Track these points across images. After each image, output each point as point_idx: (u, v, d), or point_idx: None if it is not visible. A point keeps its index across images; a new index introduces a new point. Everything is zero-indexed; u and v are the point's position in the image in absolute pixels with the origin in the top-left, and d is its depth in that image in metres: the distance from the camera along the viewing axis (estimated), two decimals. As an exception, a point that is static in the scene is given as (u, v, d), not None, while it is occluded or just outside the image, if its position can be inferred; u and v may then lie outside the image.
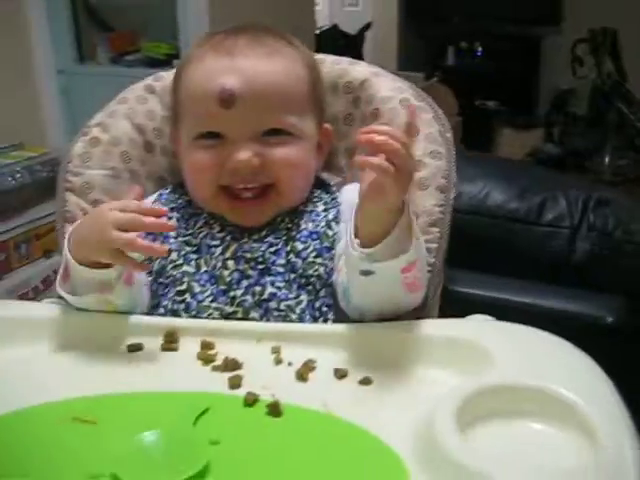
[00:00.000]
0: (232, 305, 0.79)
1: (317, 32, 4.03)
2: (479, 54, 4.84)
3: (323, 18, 4.52)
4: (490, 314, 1.09)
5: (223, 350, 0.72)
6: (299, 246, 0.82)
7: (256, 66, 0.83)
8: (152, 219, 0.72)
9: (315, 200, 0.88)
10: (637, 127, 4.05)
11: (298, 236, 0.83)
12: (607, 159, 4.04)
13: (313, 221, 0.85)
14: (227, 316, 0.79)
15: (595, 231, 1.13)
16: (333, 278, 0.80)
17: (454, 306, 1.03)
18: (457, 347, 0.70)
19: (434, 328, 0.74)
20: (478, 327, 0.76)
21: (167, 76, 0.99)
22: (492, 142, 4.47)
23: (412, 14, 4.67)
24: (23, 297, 2.23)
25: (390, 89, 0.92)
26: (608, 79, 4.08)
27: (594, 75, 4.09)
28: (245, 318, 0.78)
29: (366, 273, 0.70)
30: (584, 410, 0.58)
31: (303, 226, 0.84)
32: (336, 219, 0.85)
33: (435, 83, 3.52)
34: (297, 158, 0.84)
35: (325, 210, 0.86)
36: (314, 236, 0.83)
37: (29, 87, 2.73)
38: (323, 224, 0.84)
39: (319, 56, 0.97)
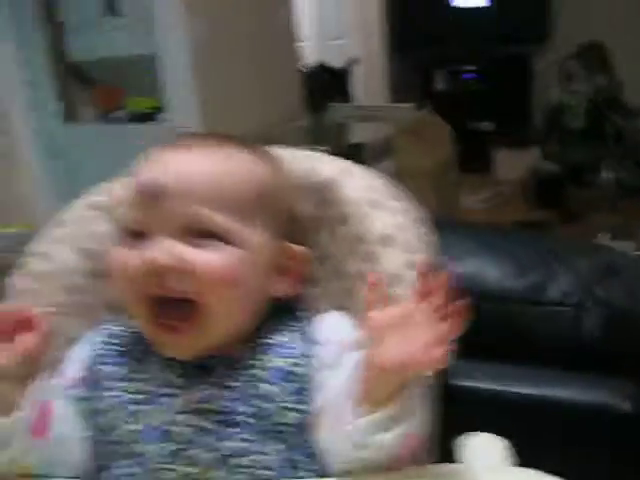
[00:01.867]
0: (190, 465, 0.68)
1: (303, 70, 3.98)
2: (469, 76, 4.79)
3: (308, 54, 4.47)
4: (493, 409, 1.01)
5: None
6: (267, 388, 0.70)
7: (193, 159, 0.73)
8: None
9: (282, 328, 0.75)
10: (636, 138, 3.99)
11: (265, 377, 0.71)
12: (607, 172, 3.97)
13: (281, 356, 0.72)
14: (185, 477, 0.68)
15: (603, 306, 1.03)
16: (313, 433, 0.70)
17: (456, 404, 0.95)
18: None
19: None
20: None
21: (111, 187, 0.90)
22: (488, 164, 4.41)
23: (398, 43, 4.62)
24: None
25: (360, 189, 0.84)
26: (601, 92, 4.03)
27: (586, 89, 4.04)
28: (206, 478, 0.68)
29: (360, 448, 0.63)
30: None
31: (269, 363, 0.72)
32: (308, 355, 0.73)
33: (427, 113, 3.45)
34: (226, 268, 0.69)
35: (293, 341, 0.74)
36: (282, 375, 0.71)
37: (13, 154, 2.68)
38: (292, 360, 0.72)
39: (285, 152, 0.88)
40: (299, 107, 3.52)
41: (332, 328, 0.75)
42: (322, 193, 0.85)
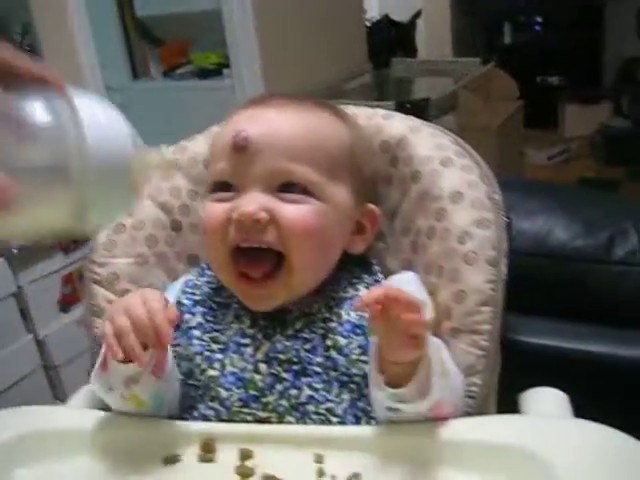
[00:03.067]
0: (265, 411, 0.72)
1: (367, 24, 3.92)
2: (538, 28, 4.63)
3: (372, 7, 4.39)
4: (556, 365, 1.01)
5: (262, 461, 0.67)
6: (341, 341, 0.73)
7: (282, 115, 0.75)
8: (154, 334, 0.65)
9: (355, 282, 0.78)
10: None
11: (339, 329, 0.74)
12: (682, 129, 3.81)
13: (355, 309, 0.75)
14: (261, 421, 0.72)
15: (671, 265, 1.02)
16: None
17: (519, 359, 0.95)
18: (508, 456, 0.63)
19: (482, 430, 0.67)
20: (527, 431, 0.67)
21: (190, 146, 0.93)
22: (556, 120, 4.29)
23: (464, -5, 4.50)
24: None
25: (430, 147, 0.84)
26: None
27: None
28: (281, 423, 0.72)
29: (393, 410, 0.66)
30: None
31: (344, 317, 0.74)
32: None
33: (493, 68, 3.36)
34: (313, 221, 0.72)
35: None
36: (357, 330, 0.73)
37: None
38: (364, 314, 0.73)
39: (352, 109, 0.89)
40: (363, 62, 3.49)
41: (403, 285, 0.77)
42: (393, 151, 0.86)
